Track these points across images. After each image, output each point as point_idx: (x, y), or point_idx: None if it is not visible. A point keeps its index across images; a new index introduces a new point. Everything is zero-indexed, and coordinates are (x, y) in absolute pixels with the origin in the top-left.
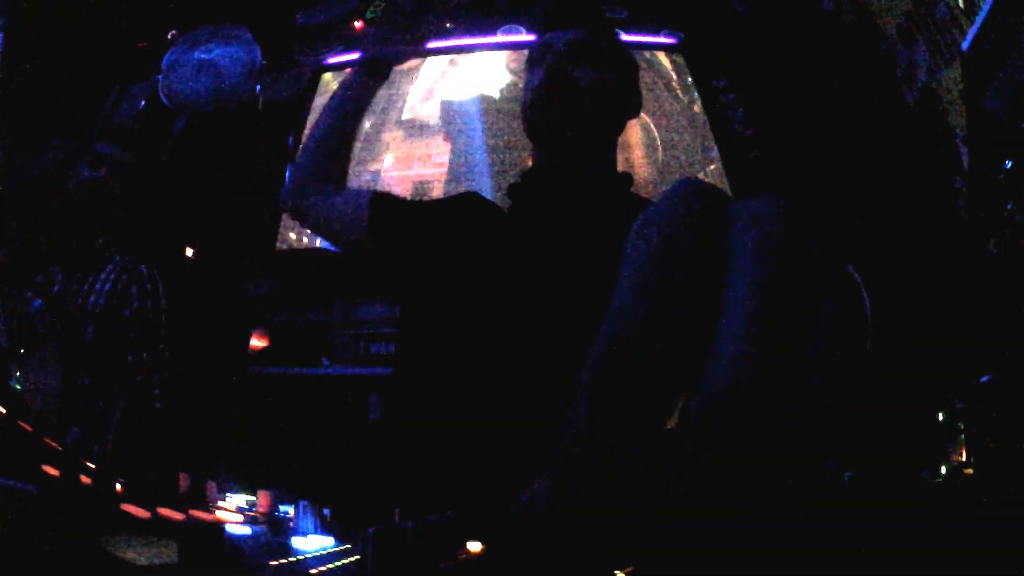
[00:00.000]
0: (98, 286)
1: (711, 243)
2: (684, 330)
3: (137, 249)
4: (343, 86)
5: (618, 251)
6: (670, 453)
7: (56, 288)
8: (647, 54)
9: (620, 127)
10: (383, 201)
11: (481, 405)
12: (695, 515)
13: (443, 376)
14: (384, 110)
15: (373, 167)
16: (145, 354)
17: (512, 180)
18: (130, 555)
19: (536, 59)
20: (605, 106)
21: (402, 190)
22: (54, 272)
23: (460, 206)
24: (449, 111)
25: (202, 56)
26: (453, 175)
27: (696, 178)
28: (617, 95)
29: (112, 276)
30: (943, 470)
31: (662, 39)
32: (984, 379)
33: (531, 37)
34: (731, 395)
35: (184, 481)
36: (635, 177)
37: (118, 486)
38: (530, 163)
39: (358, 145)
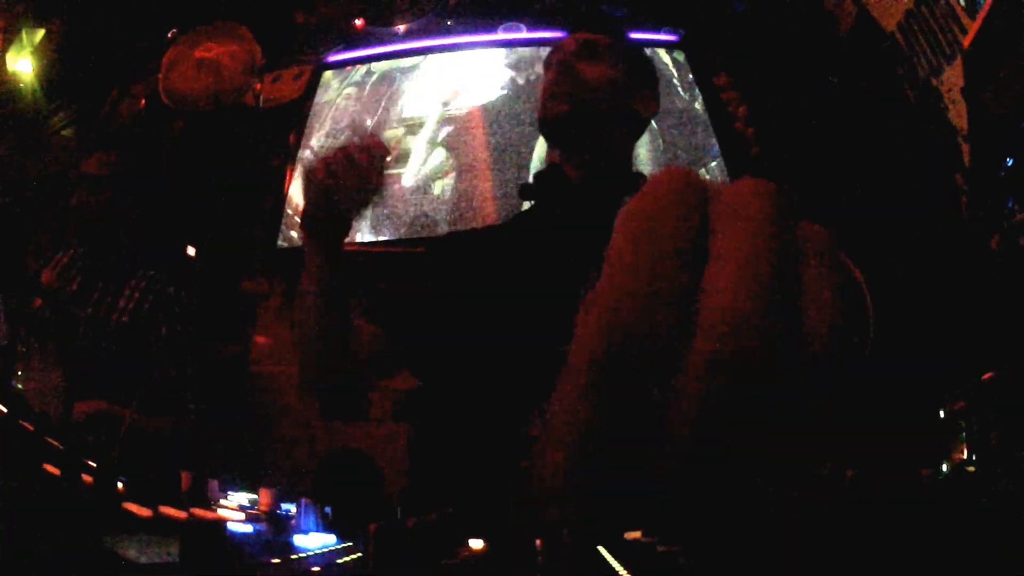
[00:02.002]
0: (121, 303)
1: (694, 228)
2: (670, 314)
3: (161, 262)
4: (306, 284)
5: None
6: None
7: (72, 288)
8: (647, 52)
9: (633, 127)
10: (381, 302)
11: (500, 412)
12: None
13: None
14: (385, 108)
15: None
16: (175, 372)
17: (511, 177)
18: (132, 553)
19: (549, 61)
20: (612, 101)
21: (403, 188)
22: (72, 275)
23: (447, 253)
24: (448, 109)
25: (202, 55)
26: (451, 173)
27: (678, 166)
28: (625, 93)
29: (137, 295)
30: (944, 468)
31: (663, 37)
32: (985, 377)
33: (531, 35)
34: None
35: (186, 480)
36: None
37: (119, 485)
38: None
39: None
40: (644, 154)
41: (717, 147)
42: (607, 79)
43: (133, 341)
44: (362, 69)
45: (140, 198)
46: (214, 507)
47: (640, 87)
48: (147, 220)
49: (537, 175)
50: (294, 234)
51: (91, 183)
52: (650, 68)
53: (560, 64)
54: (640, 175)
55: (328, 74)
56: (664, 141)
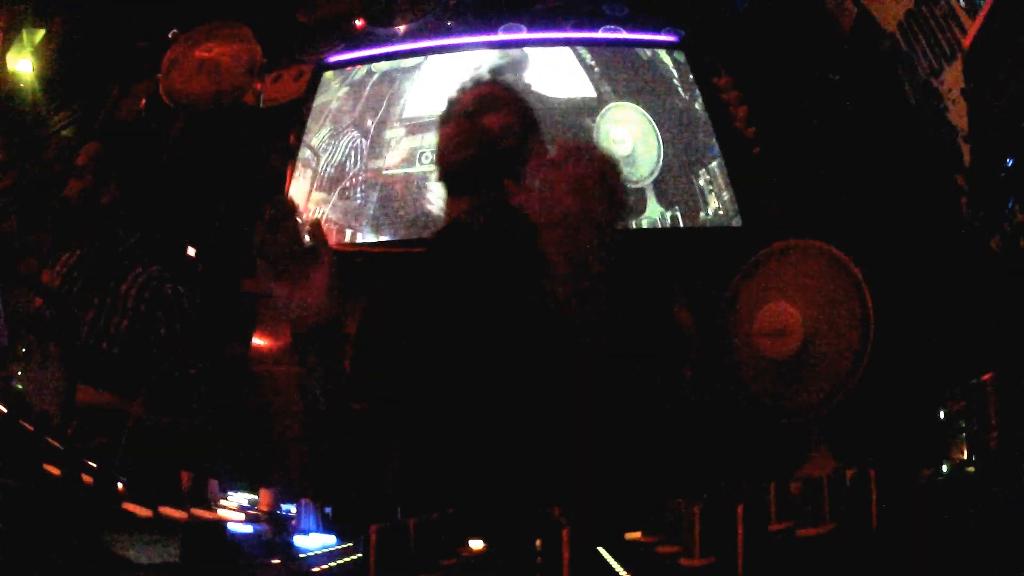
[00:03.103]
0: (120, 302)
1: None
2: None
3: (160, 257)
4: None
5: (525, 279)
6: None
7: (75, 290)
8: (648, 52)
9: (518, 169)
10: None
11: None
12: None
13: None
14: (386, 108)
15: (375, 165)
16: (178, 374)
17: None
18: (132, 554)
19: (447, 115)
20: (511, 146)
21: (403, 187)
22: (69, 270)
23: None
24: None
25: (203, 55)
26: None
27: None
28: (519, 138)
29: (134, 291)
30: (944, 468)
31: (663, 37)
32: (985, 377)
33: (531, 35)
34: None
35: (186, 480)
36: (636, 175)
37: (119, 485)
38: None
39: (363, 144)
40: (644, 153)
41: (717, 147)
42: (504, 125)
43: (134, 343)
44: (362, 69)
45: (129, 188)
46: (214, 507)
47: (530, 133)
48: (144, 216)
49: (440, 235)
50: None
51: (78, 172)
52: (534, 117)
53: (461, 115)
54: (526, 217)
55: (328, 74)
56: (664, 141)
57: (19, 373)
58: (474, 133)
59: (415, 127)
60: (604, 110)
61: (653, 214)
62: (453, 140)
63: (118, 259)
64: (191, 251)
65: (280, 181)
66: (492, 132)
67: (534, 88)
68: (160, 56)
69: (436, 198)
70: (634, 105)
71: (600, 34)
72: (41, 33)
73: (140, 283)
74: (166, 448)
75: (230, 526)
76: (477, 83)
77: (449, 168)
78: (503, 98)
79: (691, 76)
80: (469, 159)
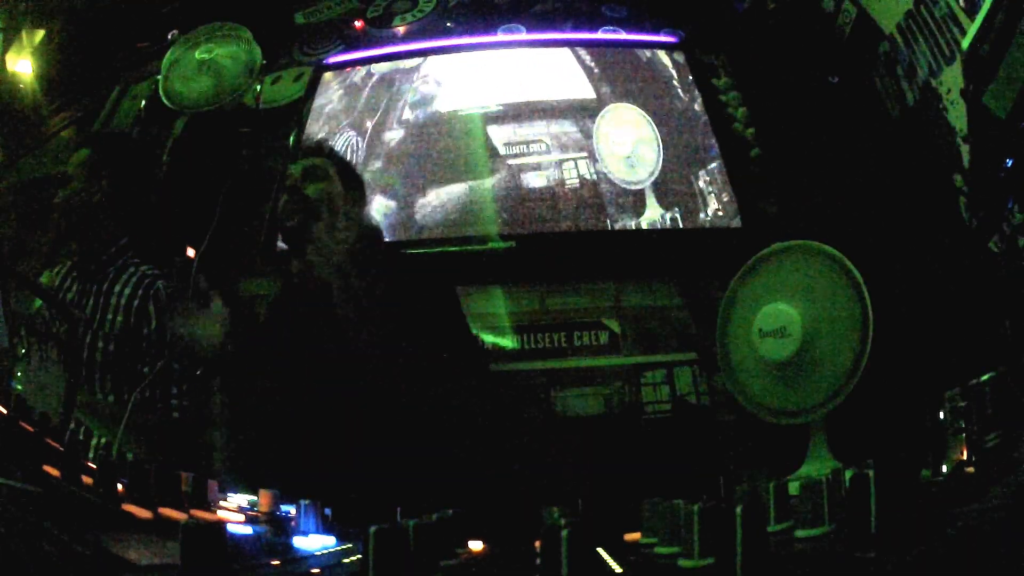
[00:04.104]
0: (113, 299)
1: None
2: None
3: (153, 257)
4: None
5: (359, 307)
6: None
7: (68, 292)
8: (647, 53)
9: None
10: None
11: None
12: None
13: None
14: (385, 110)
15: (374, 166)
16: (163, 367)
17: (511, 178)
18: (132, 555)
19: (283, 184)
20: (330, 208)
21: (402, 190)
22: (64, 274)
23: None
24: (449, 110)
25: (202, 56)
26: (453, 174)
27: None
28: (338, 200)
29: (127, 290)
30: (944, 468)
31: (662, 38)
32: (985, 377)
33: (531, 36)
34: None
35: (185, 481)
36: (636, 176)
37: (120, 486)
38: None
39: (361, 145)
40: (643, 155)
41: (717, 148)
42: (325, 193)
43: (127, 340)
44: (362, 70)
45: (122, 188)
46: (214, 508)
47: (351, 189)
48: (137, 216)
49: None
50: None
51: (71, 173)
52: (357, 176)
53: (290, 188)
54: (352, 250)
55: (328, 75)
56: (664, 142)
57: (19, 373)
58: (300, 204)
59: (414, 128)
60: (603, 111)
61: (653, 215)
62: (284, 209)
63: (111, 259)
64: (190, 252)
65: (281, 182)
66: (312, 202)
67: (534, 90)
68: (160, 57)
69: (435, 200)
70: (634, 106)
71: (599, 35)
72: (41, 33)
73: (133, 282)
74: (164, 446)
75: (230, 527)
76: (304, 155)
77: (283, 231)
78: (326, 171)
79: (691, 77)
80: (297, 224)
